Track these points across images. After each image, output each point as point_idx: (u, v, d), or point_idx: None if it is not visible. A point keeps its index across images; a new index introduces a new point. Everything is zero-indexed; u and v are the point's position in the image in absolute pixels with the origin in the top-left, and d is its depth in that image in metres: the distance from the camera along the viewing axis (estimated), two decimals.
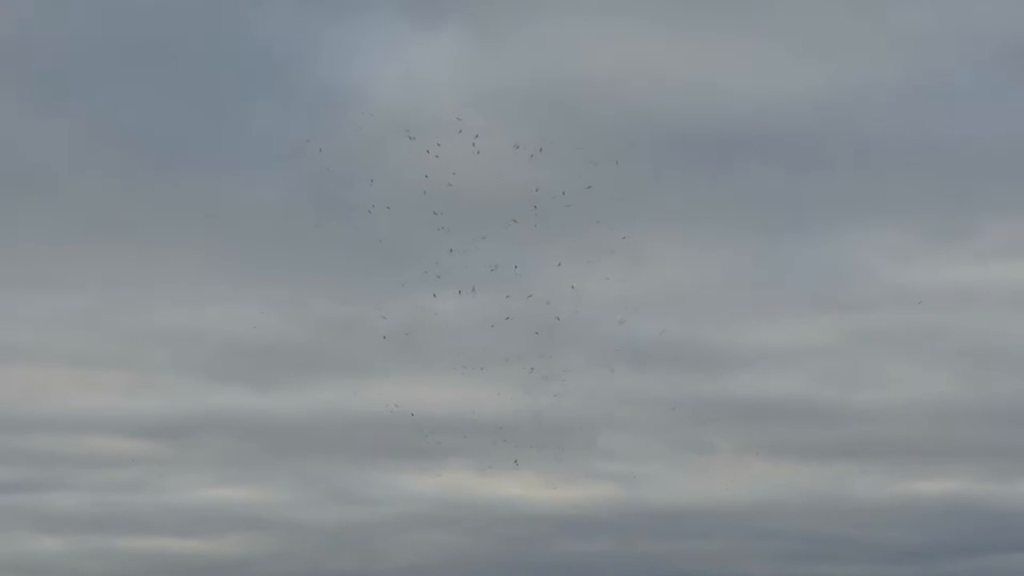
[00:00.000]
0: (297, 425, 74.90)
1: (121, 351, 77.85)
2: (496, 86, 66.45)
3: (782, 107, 73.76)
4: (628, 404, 68.97)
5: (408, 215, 60.95)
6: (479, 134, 58.50)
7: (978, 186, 78.41)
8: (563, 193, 59.69)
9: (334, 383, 73.30)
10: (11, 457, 78.00)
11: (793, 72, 74.06)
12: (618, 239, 61.97)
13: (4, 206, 76.31)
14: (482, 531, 76.45)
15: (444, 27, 71.28)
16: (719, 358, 74.95)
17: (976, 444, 77.13)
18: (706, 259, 73.19)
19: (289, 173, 67.57)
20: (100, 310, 76.87)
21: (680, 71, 71.87)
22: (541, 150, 58.92)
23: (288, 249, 69.94)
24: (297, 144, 63.44)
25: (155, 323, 76.58)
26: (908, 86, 76.46)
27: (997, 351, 78.20)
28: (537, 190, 59.10)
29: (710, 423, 74.89)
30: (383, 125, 60.11)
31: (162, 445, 79.27)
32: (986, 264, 78.94)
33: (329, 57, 71.11)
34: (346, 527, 77.45)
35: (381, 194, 60.39)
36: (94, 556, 77.68)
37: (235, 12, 72.70)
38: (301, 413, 74.65)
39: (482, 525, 75.98)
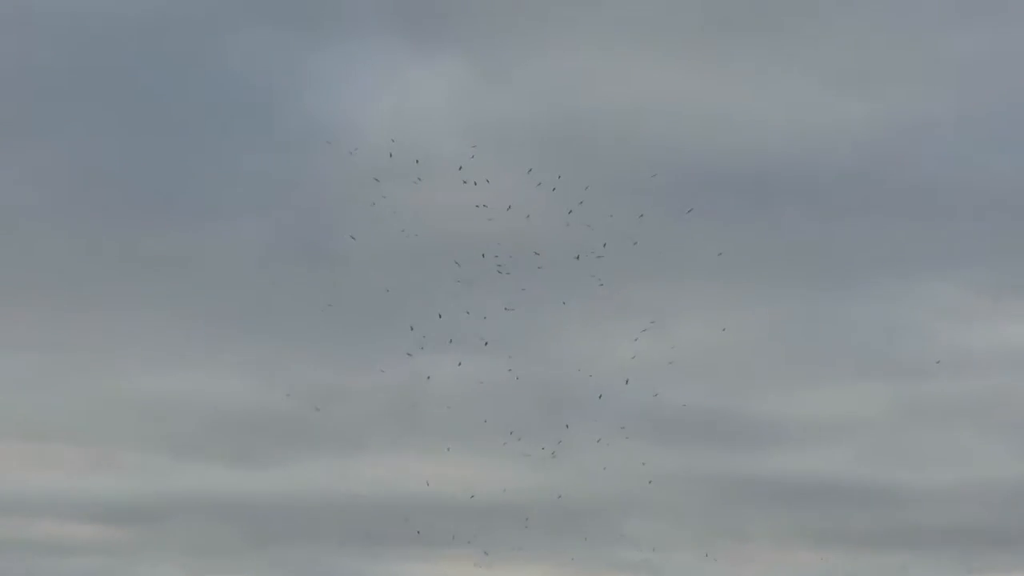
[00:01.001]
0: (279, 507, 71.74)
1: (79, 422, 73.99)
2: (500, 120, 63.95)
3: (820, 145, 71.10)
4: (652, 484, 63.68)
5: (405, 267, 59.02)
6: (484, 177, 55.17)
7: None
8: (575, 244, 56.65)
9: (320, 459, 70.66)
10: None
11: (832, 105, 71.70)
12: (638, 295, 60.29)
13: None
14: None
15: (443, 56, 69.13)
16: (754, 431, 71.43)
17: None
18: (739, 318, 68.51)
19: (271, 220, 66.09)
20: (55, 375, 73.65)
21: (703, 104, 69.18)
22: (554, 189, 55.56)
23: (270, 306, 67.15)
24: (280, 187, 63.48)
25: (118, 390, 72.82)
26: (962, 121, 74.10)
27: None
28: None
29: (746, 506, 72.15)
30: (377, 165, 57.01)
31: (127, 530, 75.60)
32: None
33: (315, 88, 69.55)
34: None
35: (374, 243, 58.38)
36: None
37: (210, 38, 70.82)
38: (283, 493, 71.63)
39: None
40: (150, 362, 71.17)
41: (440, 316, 56.73)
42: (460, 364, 57.59)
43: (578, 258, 57.10)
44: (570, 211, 55.53)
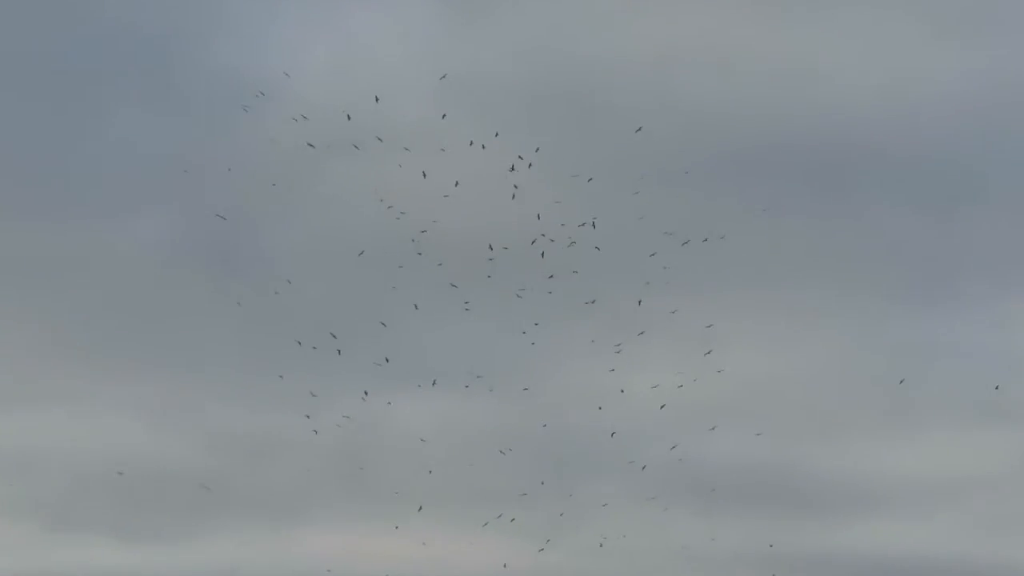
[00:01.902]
0: None
1: None
2: (476, 74, 57.11)
3: (917, 111, 62.58)
4: (691, 559, 56.83)
5: (355, 273, 53.22)
6: (458, 150, 49.92)
7: None
8: (577, 242, 50.93)
9: (241, 530, 61.53)
10: None
11: (930, 55, 63.04)
12: (667, 312, 53.41)
13: None
14: None
15: None
16: (825, 493, 62.45)
17: None
18: (804, 344, 61.06)
19: (172, 210, 59.99)
20: None
21: (754, 53, 61.23)
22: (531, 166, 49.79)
23: (172, 326, 60.17)
24: (184, 167, 56.42)
25: None
26: None
27: None
28: (544, 235, 50.99)
29: None
30: (314, 136, 51.82)
31: None
32: None
33: (229, 36, 62.79)
34: None
35: (312, 242, 53.86)
36: None
37: None
38: (190, 574, 62.23)
39: None
40: (11, 400, 62.55)
41: (403, 340, 52.60)
42: (432, 393, 52.91)
43: (589, 260, 50.10)
44: (557, 202, 50.79)
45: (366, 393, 52.42)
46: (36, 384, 62.32)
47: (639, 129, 52.19)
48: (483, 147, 49.83)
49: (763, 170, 59.19)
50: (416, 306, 51.62)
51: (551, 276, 51.41)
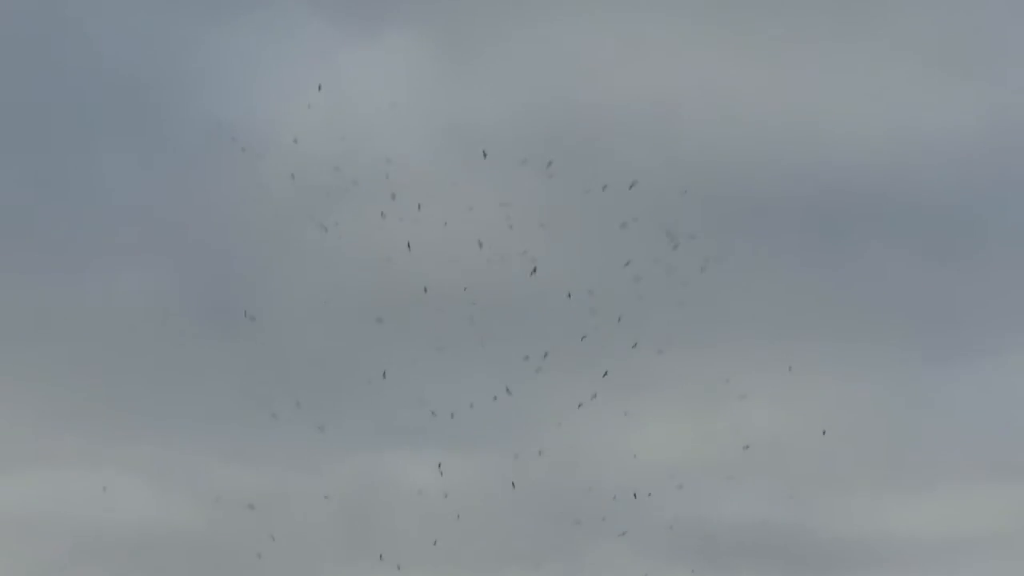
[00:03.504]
0: None
1: None
2: (470, 118, 56.29)
3: (920, 155, 61.34)
4: None
5: (358, 325, 51.97)
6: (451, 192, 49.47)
7: None
8: (590, 291, 49.72)
9: None
10: None
11: (938, 97, 61.83)
12: (680, 365, 52.31)
13: None
14: None
15: (389, 31, 60.71)
16: (844, 552, 60.05)
17: None
18: (817, 395, 58.75)
19: (164, 267, 58.34)
20: None
21: (758, 99, 59.53)
22: (541, 225, 49.46)
23: (168, 382, 58.05)
24: (172, 217, 56.56)
25: None
26: None
27: None
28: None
29: None
30: (306, 178, 51.47)
31: None
32: None
33: (219, 80, 60.76)
34: None
35: (309, 294, 52.03)
36: None
37: (65, 14, 61.87)
38: None
39: None
40: (4, 461, 60.09)
41: (427, 382, 51.20)
42: (440, 466, 51.05)
43: (596, 310, 49.06)
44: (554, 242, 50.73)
45: (370, 448, 52.20)
46: (30, 443, 60.65)
47: (633, 184, 51.20)
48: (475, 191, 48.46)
49: (757, 217, 57.56)
50: (426, 381, 50.43)
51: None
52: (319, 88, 57.88)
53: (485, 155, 49.68)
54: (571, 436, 53.01)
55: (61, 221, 61.05)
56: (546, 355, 49.86)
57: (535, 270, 49.60)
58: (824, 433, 59.05)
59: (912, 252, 61.90)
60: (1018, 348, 62.64)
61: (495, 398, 51.04)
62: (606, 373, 51.05)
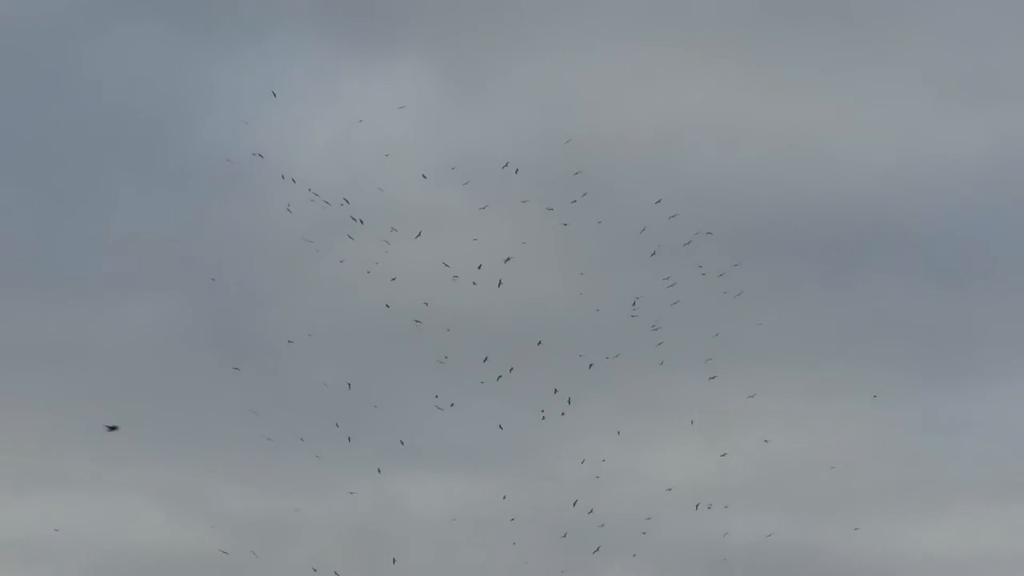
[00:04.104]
0: None
1: None
2: (475, 151, 56.31)
3: (930, 182, 62.25)
4: None
5: (365, 352, 52.95)
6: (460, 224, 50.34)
7: None
8: (597, 309, 50.17)
9: None
10: None
11: (949, 126, 62.77)
12: (687, 392, 52.45)
13: None
14: None
15: (398, 62, 61.51)
16: (847, 572, 60.05)
17: None
18: (826, 421, 59.52)
19: (174, 293, 59.34)
20: None
21: (762, 127, 61.03)
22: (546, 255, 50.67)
23: (181, 409, 58.74)
24: (180, 249, 57.26)
25: None
26: None
27: None
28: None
29: None
30: (313, 213, 51.52)
31: None
32: None
33: (224, 114, 61.71)
34: None
35: (318, 322, 52.10)
36: None
37: (73, 42, 63.43)
38: None
39: None
40: (11, 486, 61.09)
41: (433, 407, 51.01)
42: (447, 475, 53.64)
43: (604, 336, 49.47)
44: (581, 272, 50.85)
45: (379, 471, 51.60)
46: (39, 468, 61.24)
47: (659, 201, 51.11)
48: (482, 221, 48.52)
49: (766, 245, 57.86)
50: (437, 397, 50.28)
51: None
52: (321, 118, 58.37)
53: (490, 185, 49.10)
54: (589, 462, 52.83)
55: (70, 252, 61.66)
56: (556, 391, 49.60)
57: (500, 283, 49.18)
58: (832, 468, 58.55)
59: (923, 278, 62.49)
60: None
61: (500, 427, 50.90)
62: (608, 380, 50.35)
